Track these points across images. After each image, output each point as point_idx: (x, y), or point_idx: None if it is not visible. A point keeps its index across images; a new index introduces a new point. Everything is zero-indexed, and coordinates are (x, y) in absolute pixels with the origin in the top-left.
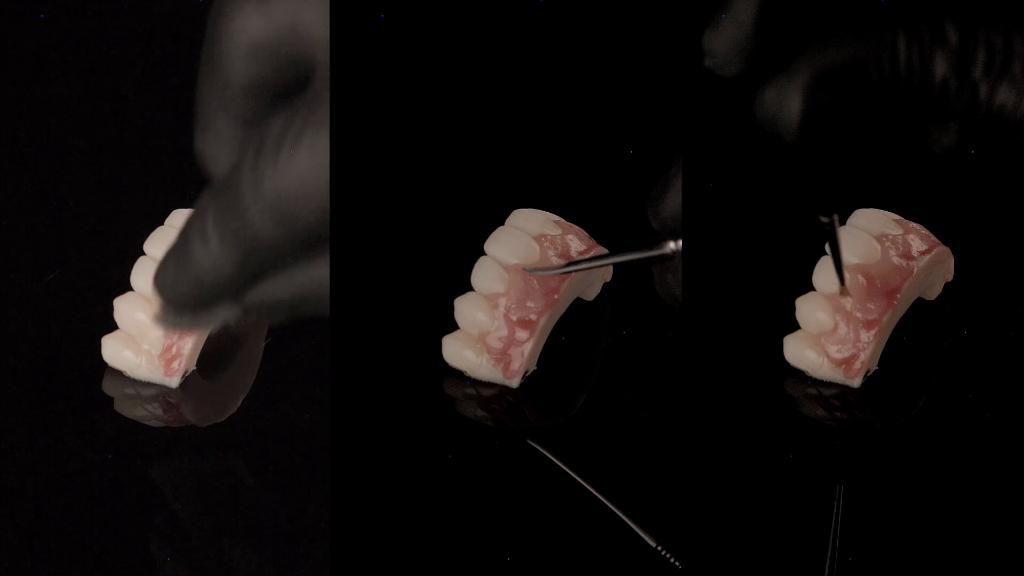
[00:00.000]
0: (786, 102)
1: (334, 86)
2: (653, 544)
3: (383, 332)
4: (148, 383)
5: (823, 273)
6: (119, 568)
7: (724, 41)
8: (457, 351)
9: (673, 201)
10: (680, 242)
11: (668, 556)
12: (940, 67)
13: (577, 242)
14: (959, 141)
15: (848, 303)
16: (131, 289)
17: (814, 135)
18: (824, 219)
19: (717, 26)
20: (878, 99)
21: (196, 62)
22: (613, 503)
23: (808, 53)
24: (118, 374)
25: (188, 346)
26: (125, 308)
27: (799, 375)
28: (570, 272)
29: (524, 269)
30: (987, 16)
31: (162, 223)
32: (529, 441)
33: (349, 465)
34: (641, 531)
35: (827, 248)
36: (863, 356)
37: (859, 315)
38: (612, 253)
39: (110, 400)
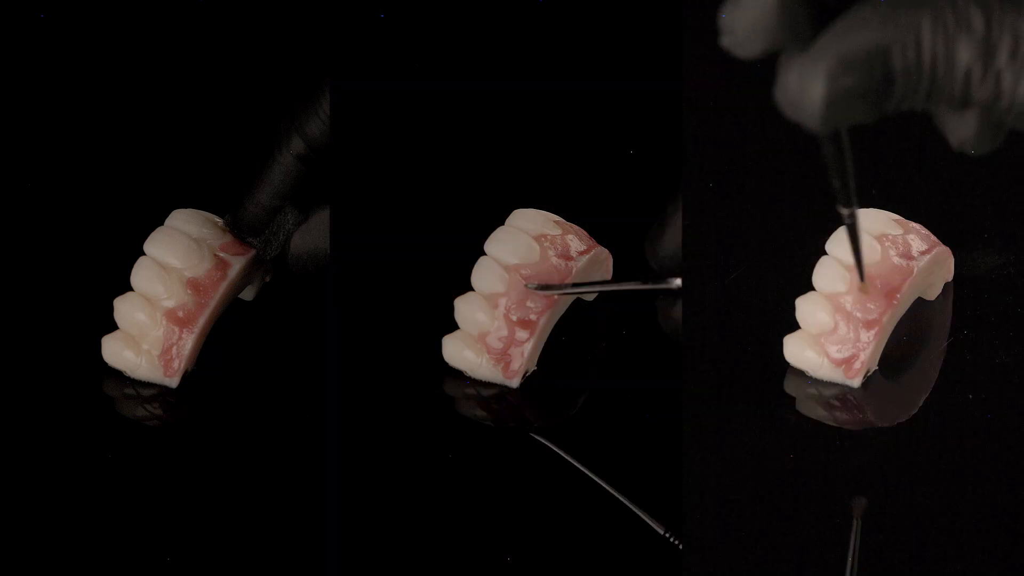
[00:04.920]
0: (809, 86)
1: (335, 87)
2: (661, 531)
3: (383, 332)
4: (148, 383)
5: (823, 273)
6: (119, 568)
7: (744, 18)
8: (457, 351)
9: (671, 241)
10: (680, 280)
11: (675, 542)
12: (965, 53)
13: (577, 242)
14: (977, 132)
15: (847, 300)
16: (131, 289)
17: (837, 121)
18: (844, 210)
19: (737, 2)
20: (902, 86)
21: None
22: (616, 490)
23: (832, 36)
24: (118, 374)
25: (188, 346)
26: (125, 308)
27: (799, 375)
28: (573, 294)
29: (527, 287)
30: (1013, 2)
31: (162, 223)
32: (532, 434)
33: (349, 465)
34: (647, 518)
35: (847, 239)
36: (863, 356)
37: (859, 315)
38: (617, 281)
39: (110, 400)
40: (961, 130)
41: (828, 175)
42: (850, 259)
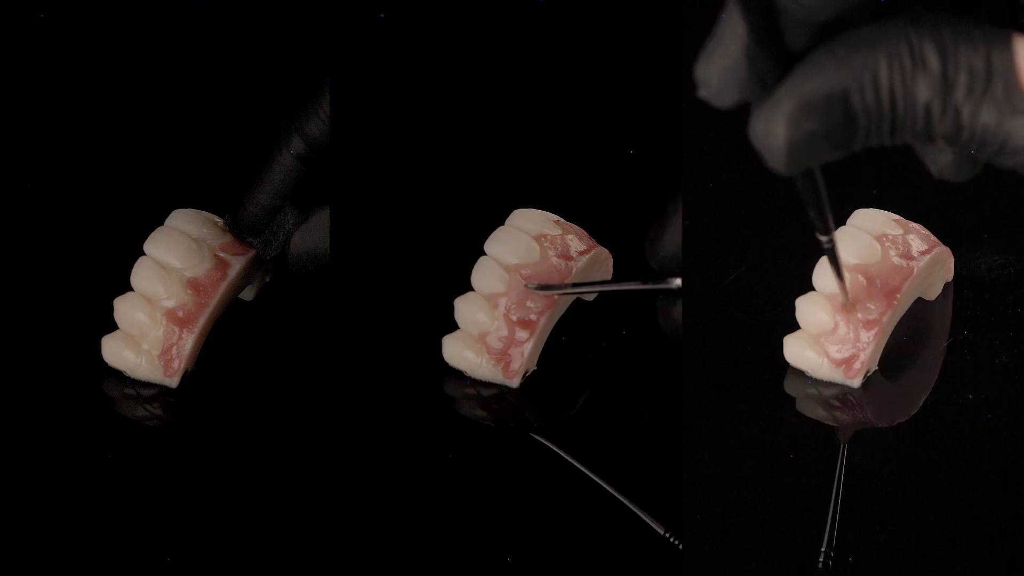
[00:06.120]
0: (771, 131)
1: (335, 87)
2: (661, 531)
3: (383, 332)
4: (148, 383)
5: (823, 273)
6: (119, 568)
7: (716, 71)
8: (457, 351)
9: (671, 241)
10: (680, 280)
11: (676, 542)
12: (923, 91)
13: (577, 242)
14: (955, 159)
15: (857, 299)
16: (131, 289)
17: (803, 162)
18: (823, 238)
19: (709, 56)
20: (864, 125)
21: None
22: (617, 491)
23: (791, 82)
24: (118, 374)
25: (188, 346)
26: (125, 308)
27: (799, 375)
28: (573, 294)
29: (527, 287)
30: (967, 38)
31: (162, 223)
32: (532, 434)
33: (349, 465)
34: (647, 518)
35: (828, 265)
36: (863, 356)
37: (859, 315)
38: (617, 281)
39: (110, 400)
40: (939, 160)
41: (805, 206)
42: (850, 260)
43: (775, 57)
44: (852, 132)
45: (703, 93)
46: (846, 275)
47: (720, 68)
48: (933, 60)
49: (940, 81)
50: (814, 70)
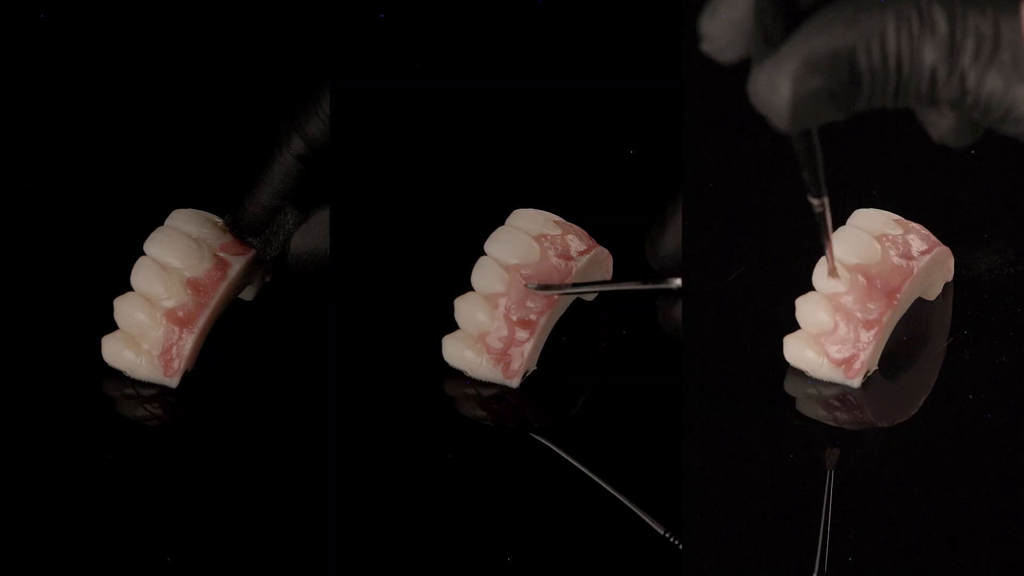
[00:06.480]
0: (775, 88)
1: (335, 87)
2: (661, 531)
3: (383, 332)
4: (148, 383)
5: (823, 273)
6: (120, 568)
7: (721, 24)
8: (457, 351)
9: (671, 241)
10: (680, 280)
11: (675, 542)
12: (929, 54)
13: (577, 242)
14: (957, 124)
15: (847, 300)
16: (131, 289)
17: (806, 120)
18: (815, 201)
19: (714, 11)
20: (868, 85)
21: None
22: (617, 491)
23: (797, 39)
24: (118, 374)
25: (187, 346)
26: (125, 308)
27: (799, 375)
28: (573, 294)
29: (527, 287)
30: (976, 3)
31: (162, 223)
32: (532, 434)
33: (349, 465)
34: (647, 518)
35: (819, 229)
36: (863, 356)
37: (859, 315)
38: (617, 281)
39: (110, 400)
40: (940, 124)
41: (800, 168)
42: (850, 260)
43: (784, 14)
44: (856, 92)
45: (706, 47)
46: (842, 273)
47: (726, 23)
48: (941, 23)
49: (947, 44)
50: (821, 28)
